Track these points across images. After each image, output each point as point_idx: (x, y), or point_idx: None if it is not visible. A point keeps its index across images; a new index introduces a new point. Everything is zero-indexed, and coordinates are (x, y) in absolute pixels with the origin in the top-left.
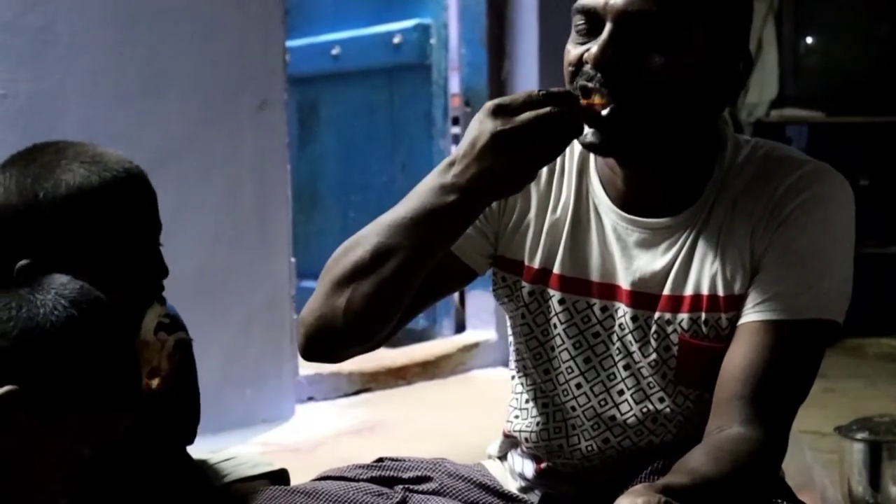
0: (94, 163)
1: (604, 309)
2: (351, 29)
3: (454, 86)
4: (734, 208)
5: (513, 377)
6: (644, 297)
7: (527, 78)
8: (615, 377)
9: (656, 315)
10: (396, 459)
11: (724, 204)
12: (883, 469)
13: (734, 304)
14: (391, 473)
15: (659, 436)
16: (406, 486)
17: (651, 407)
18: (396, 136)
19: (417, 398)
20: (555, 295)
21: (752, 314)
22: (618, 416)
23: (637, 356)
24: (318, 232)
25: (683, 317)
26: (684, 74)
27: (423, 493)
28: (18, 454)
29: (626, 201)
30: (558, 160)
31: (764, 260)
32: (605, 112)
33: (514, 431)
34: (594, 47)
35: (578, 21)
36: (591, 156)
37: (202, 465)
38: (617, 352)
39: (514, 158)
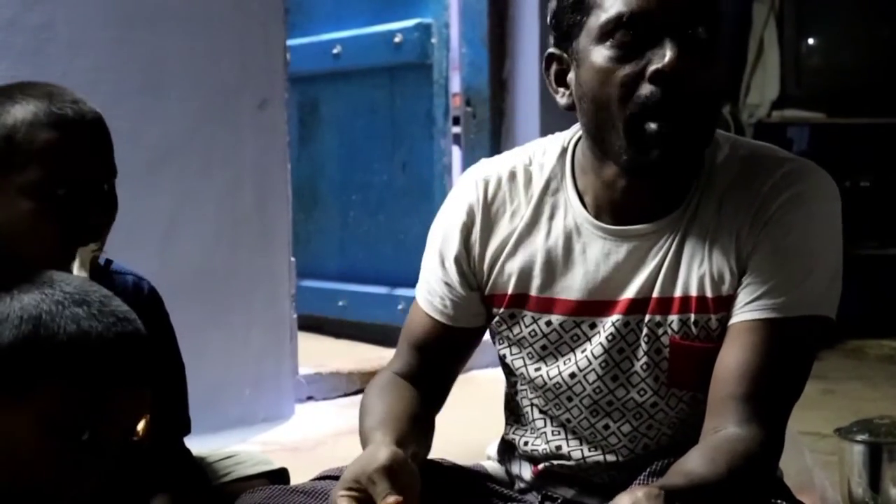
0: (49, 98)
1: (592, 325)
2: (352, 28)
3: (455, 85)
4: (719, 209)
5: (506, 387)
6: (635, 302)
7: (527, 77)
8: (601, 390)
9: (647, 318)
10: None
11: (709, 204)
12: (883, 471)
13: (723, 304)
14: None
15: (654, 438)
16: None
17: (645, 413)
18: (397, 135)
19: None
20: (539, 317)
21: (742, 314)
22: (611, 424)
23: (626, 364)
24: (319, 231)
25: (673, 319)
26: (722, 79)
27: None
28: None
29: (617, 211)
30: (522, 189)
31: (751, 260)
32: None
33: (511, 437)
34: (668, 56)
35: (621, 34)
36: (566, 175)
37: (202, 462)
38: (603, 365)
39: None
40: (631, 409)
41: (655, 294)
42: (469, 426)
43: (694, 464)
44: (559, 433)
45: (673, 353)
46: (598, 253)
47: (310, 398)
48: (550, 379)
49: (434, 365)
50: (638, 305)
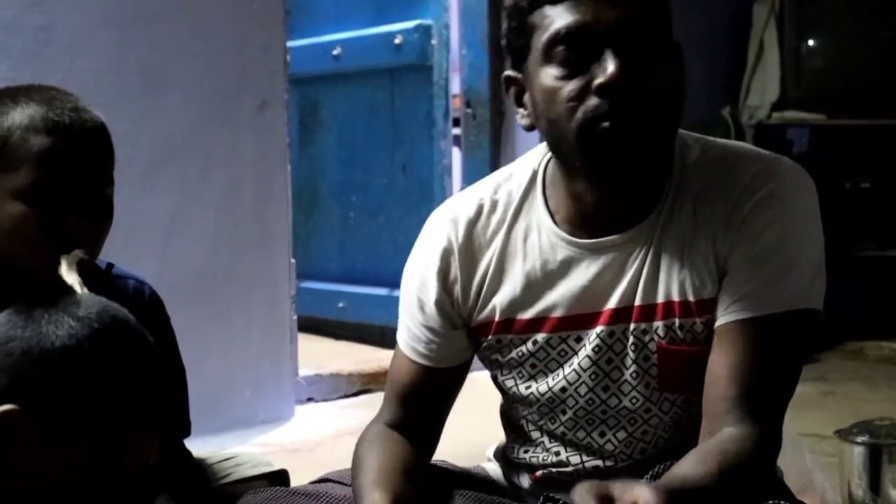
0: (49, 104)
1: (578, 339)
2: (352, 29)
3: (455, 87)
4: (694, 211)
5: (501, 401)
6: (619, 312)
7: None
8: (594, 401)
9: (632, 326)
10: None
11: (683, 207)
12: (883, 472)
13: (707, 307)
14: None
15: (650, 442)
16: None
17: (640, 418)
18: (397, 136)
19: None
20: (526, 338)
21: (727, 316)
22: (607, 431)
23: (615, 374)
24: (318, 232)
25: (658, 325)
26: (680, 81)
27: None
28: (27, 471)
29: (590, 224)
30: (492, 220)
31: (730, 261)
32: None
33: (509, 446)
34: (609, 69)
35: (559, 51)
36: (537, 195)
37: (202, 463)
38: (592, 376)
39: None
40: (625, 416)
41: (638, 302)
42: (470, 427)
43: (688, 467)
44: (556, 443)
45: (661, 358)
46: (577, 268)
47: (310, 399)
48: (542, 395)
49: (423, 412)
50: (621, 315)
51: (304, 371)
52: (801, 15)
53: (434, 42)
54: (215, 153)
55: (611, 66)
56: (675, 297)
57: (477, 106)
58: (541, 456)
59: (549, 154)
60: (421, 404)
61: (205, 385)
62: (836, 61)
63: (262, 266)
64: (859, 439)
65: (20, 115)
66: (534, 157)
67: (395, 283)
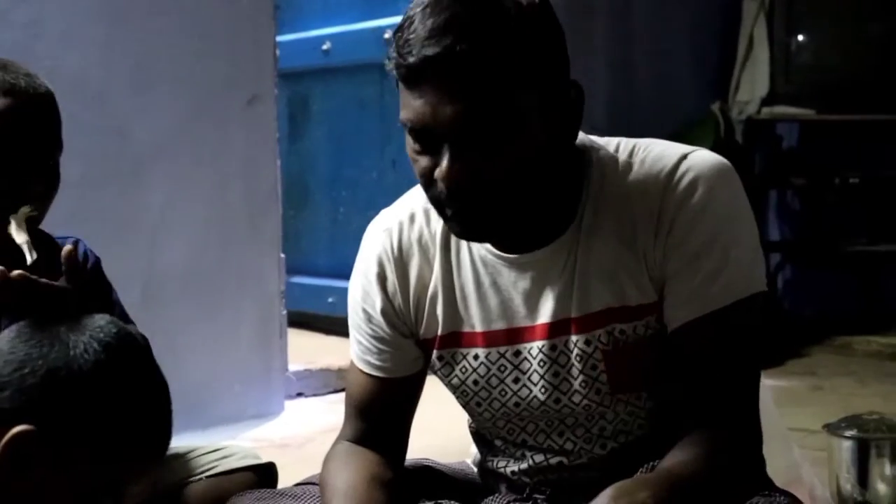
0: (4, 69)
1: (516, 353)
2: (341, 24)
3: None
4: (619, 218)
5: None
6: (556, 325)
7: None
8: (548, 412)
9: (574, 338)
10: None
11: (605, 213)
12: (871, 467)
13: (647, 309)
14: None
15: (613, 437)
16: None
17: (599, 417)
18: (387, 131)
19: None
20: (467, 352)
21: (676, 321)
22: (568, 433)
23: (565, 385)
24: (308, 228)
25: (600, 332)
26: (531, 146)
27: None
28: (32, 493)
29: (511, 240)
30: (426, 229)
31: (668, 266)
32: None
33: (481, 452)
34: (443, 165)
35: (412, 132)
36: None
37: (189, 456)
38: (542, 390)
39: None
40: (581, 416)
41: (574, 314)
42: (454, 422)
43: (670, 464)
44: (520, 450)
45: (608, 364)
46: (506, 281)
47: (299, 394)
48: (496, 410)
49: (385, 423)
50: (559, 328)
51: (293, 366)
52: (790, 10)
53: None
54: (205, 148)
55: (444, 163)
56: (613, 303)
57: None
58: (510, 464)
59: None
60: (382, 416)
61: (194, 380)
62: (826, 56)
63: (252, 261)
64: (848, 434)
65: None
66: None
67: None
